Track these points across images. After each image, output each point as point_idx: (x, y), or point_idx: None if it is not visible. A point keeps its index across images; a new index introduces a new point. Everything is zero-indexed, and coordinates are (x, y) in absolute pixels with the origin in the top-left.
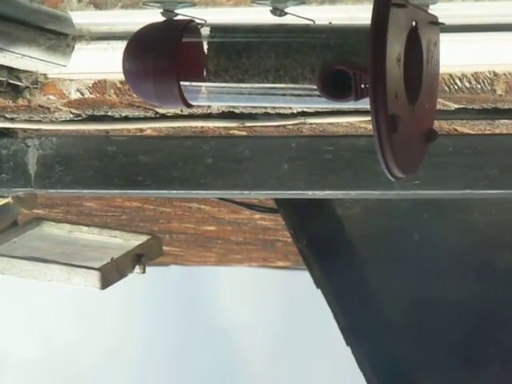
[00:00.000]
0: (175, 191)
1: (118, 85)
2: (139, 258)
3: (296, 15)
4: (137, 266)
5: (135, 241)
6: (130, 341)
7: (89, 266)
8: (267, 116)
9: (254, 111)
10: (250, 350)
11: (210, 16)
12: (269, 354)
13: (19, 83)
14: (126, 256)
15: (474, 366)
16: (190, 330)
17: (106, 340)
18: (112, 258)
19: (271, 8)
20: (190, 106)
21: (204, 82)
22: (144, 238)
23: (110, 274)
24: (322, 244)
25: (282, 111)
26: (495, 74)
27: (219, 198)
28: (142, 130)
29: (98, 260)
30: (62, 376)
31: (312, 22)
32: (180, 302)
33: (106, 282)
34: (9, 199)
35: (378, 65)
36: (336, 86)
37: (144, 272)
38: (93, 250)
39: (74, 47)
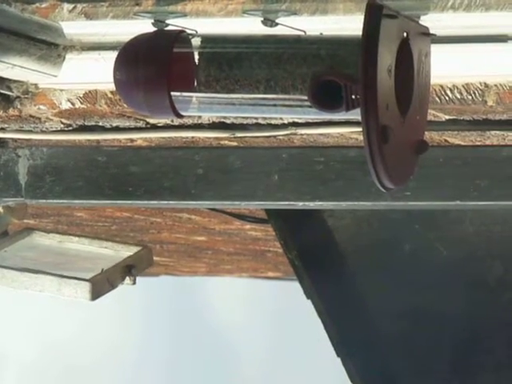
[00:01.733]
0: (166, 201)
1: (109, 95)
2: (130, 269)
3: (287, 26)
4: (127, 278)
5: (126, 252)
6: (124, 346)
7: (79, 277)
8: (258, 126)
9: (244, 122)
10: (241, 357)
11: (200, 26)
12: (259, 364)
13: (10, 93)
14: (116, 267)
15: (466, 376)
16: (181, 338)
17: (100, 344)
18: (102, 269)
19: (262, 19)
20: (180, 116)
21: (195, 92)
22: (134, 249)
23: (101, 285)
24: (312, 254)
25: (272, 122)
26: (486, 86)
27: (210, 209)
28: (132, 141)
29: (89, 271)
30: (60, 376)
31: (303, 33)
32: (170, 311)
33: (96, 294)
34: None
35: (369, 76)
36: (327, 96)
37: (134, 283)
38: (83, 261)
39: (64, 57)
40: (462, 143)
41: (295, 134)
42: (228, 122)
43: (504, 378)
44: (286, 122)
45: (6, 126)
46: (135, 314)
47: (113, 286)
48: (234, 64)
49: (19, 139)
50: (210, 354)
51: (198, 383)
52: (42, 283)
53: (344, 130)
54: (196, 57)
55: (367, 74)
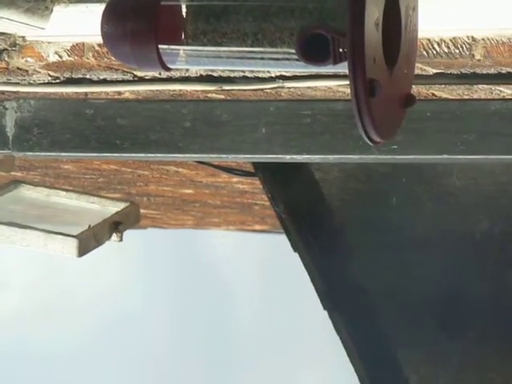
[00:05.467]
0: (153, 154)
1: (96, 47)
2: (117, 225)
3: None
4: (114, 234)
5: (113, 208)
6: (112, 293)
7: (66, 232)
8: (245, 80)
9: (232, 75)
10: (231, 308)
11: None
12: (246, 318)
13: None
14: (103, 224)
15: (452, 330)
16: (173, 287)
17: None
18: (89, 226)
19: None
20: (168, 69)
21: (182, 45)
22: (122, 206)
23: (88, 241)
24: (299, 208)
25: (260, 75)
26: (474, 39)
27: (197, 162)
28: (120, 93)
29: (75, 225)
30: (63, 301)
31: None
32: (159, 262)
33: (83, 250)
34: None
35: (357, 29)
36: (314, 49)
37: (121, 240)
38: (70, 215)
39: (52, 10)
40: (450, 97)
41: (282, 88)
42: (215, 75)
43: (489, 332)
44: (273, 75)
45: None
46: (123, 265)
47: (99, 243)
48: (222, 17)
49: (6, 91)
50: (202, 301)
51: (188, 332)
52: (28, 238)
53: (331, 83)
54: (184, 10)
55: (354, 28)
